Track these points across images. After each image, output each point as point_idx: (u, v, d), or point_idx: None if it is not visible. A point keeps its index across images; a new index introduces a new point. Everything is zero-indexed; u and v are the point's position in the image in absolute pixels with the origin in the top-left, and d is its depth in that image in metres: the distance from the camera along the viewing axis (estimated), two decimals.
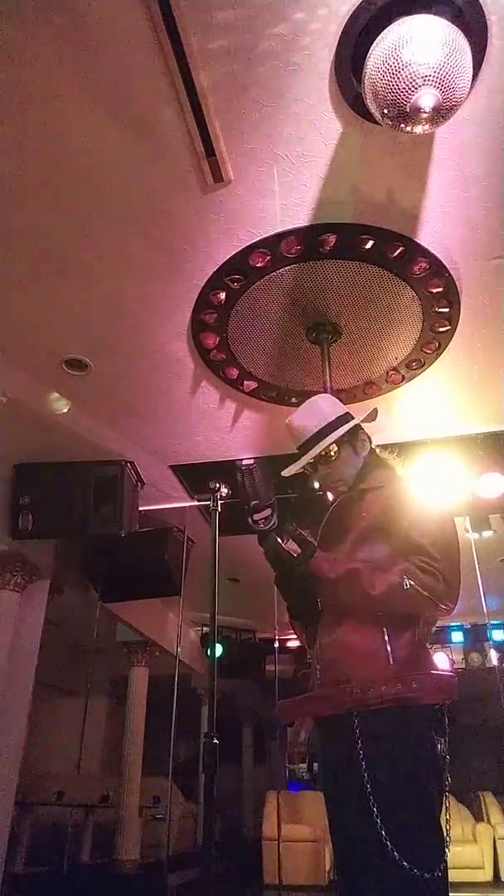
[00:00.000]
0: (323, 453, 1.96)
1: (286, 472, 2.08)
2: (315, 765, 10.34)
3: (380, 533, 1.78)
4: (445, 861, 1.44)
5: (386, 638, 1.62)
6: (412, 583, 1.59)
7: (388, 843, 1.40)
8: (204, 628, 7.51)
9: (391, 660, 1.59)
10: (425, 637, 1.71)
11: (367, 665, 1.60)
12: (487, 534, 4.90)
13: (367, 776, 1.47)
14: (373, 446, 2.06)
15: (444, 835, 1.51)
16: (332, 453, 1.97)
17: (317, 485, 2.06)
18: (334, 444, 1.97)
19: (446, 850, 1.47)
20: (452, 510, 1.90)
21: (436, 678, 1.63)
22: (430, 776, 1.52)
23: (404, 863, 1.38)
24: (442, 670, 1.69)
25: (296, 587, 1.86)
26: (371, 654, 1.61)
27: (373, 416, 2.10)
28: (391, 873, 1.39)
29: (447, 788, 1.55)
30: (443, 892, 1.43)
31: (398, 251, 2.63)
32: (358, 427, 2.04)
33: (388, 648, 1.61)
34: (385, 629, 1.64)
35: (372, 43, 1.84)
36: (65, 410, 3.52)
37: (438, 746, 1.55)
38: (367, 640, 1.64)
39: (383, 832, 1.41)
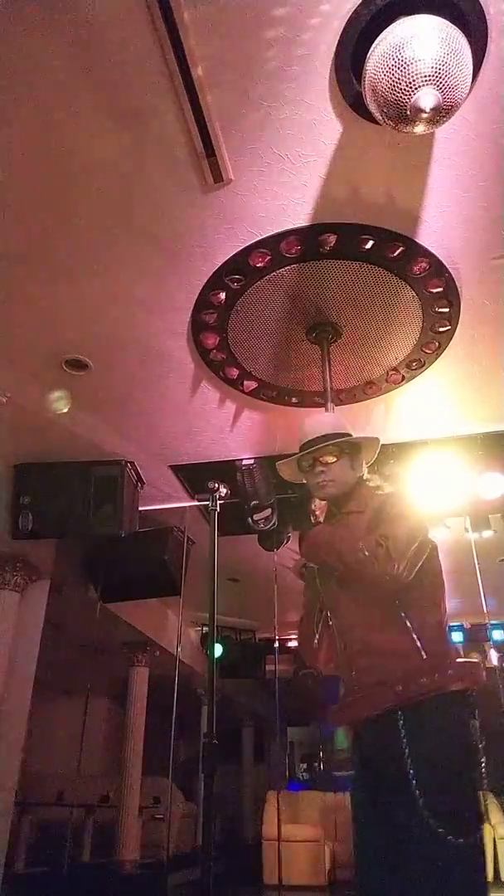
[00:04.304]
0: (321, 456, 2.06)
1: (282, 463, 2.20)
2: (315, 765, 10.35)
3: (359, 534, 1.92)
4: (482, 829, 1.57)
5: (414, 635, 1.75)
6: (366, 552, 1.77)
7: (438, 828, 1.50)
8: (204, 628, 7.51)
9: (424, 653, 1.72)
10: (445, 629, 1.87)
11: (403, 662, 1.71)
12: (487, 534, 4.90)
13: (412, 766, 1.56)
14: (365, 476, 2.13)
15: (482, 807, 1.63)
16: (331, 457, 2.06)
17: (308, 482, 2.12)
18: (335, 449, 2.06)
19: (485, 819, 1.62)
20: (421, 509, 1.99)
21: (468, 666, 1.78)
22: (470, 754, 1.65)
23: (448, 836, 1.49)
24: (466, 658, 1.84)
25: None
26: (404, 652, 1.73)
27: (376, 444, 2.22)
28: (435, 848, 1.50)
29: (482, 764, 1.70)
30: (480, 856, 1.56)
31: (398, 251, 2.63)
32: (360, 450, 2.15)
33: (419, 644, 1.73)
34: (410, 625, 1.76)
35: (372, 43, 1.85)
36: (64, 410, 3.52)
37: (474, 726, 1.70)
38: (397, 638, 1.75)
39: (431, 821, 1.51)
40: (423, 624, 1.77)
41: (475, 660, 1.86)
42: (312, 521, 2.23)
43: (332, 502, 2.11)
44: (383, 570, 1.74)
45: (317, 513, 2.23)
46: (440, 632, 1.81)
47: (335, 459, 2.05)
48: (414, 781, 1.54)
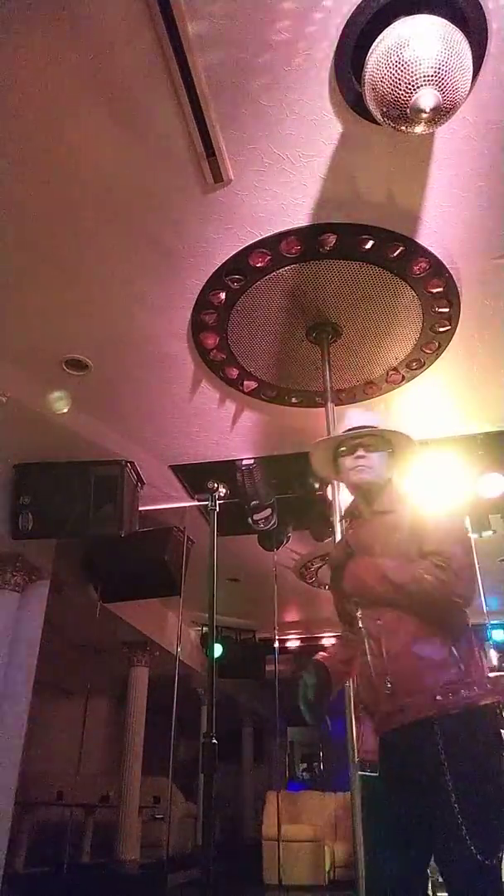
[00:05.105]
0: (365, 443, 2.03)
1: (321, 441, 2.14)
2: (315, 765, 10.35)
3: (403, 549, 1.87)
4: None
5: (451, 646, 1.74)
6: (428, 577, 1.73)
7: (469, 840, 1.51)
8: (204, 628, 7.51)
9: (462, 665, 1.72)
10: (475, 641, 1.85)
11: (442, 673, 1.70)
12: (487, 534, 4.89)
13: (451, 777, 1.57)
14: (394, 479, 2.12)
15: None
16: (374, 446, 2.03)
17: (343, 466, 2.06)
18: (379, 440, 2.05)
19: None
20: (460, 512, 1.95)
21: (502, 680, 1.74)
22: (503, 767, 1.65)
23: (478, 855, 1.50)
24: (497, 672, 1.82)
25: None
26: (444, 662, 1.72)
27: (415, 449, 2.16)
28: (466, 864, 1.51)
29: None
30: (500, 878, 1.56)
31: (398, 251, 2.63)
32: (398, 451, 2.12)
33: (457, 654, 1.73)
34: (448, 636, 1.76)
35: (372, 43, 1.85)
36: (64, 410, 3.52)
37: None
38: (438, 648, 1.74)
39: (465, 831, 1.51)
40: (459, 635, 1.78)
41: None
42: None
43: (360, 495, 2.06)
44: (451, 592, 1.73)
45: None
46: (471, 642, 1.81)
47: (377, 450, 2.03)
48: (454, 796, 1.55)
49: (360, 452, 2.01)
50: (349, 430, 2.09)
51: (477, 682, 1.69)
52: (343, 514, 2.19)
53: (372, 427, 2.08)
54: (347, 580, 1.93)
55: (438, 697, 1.65)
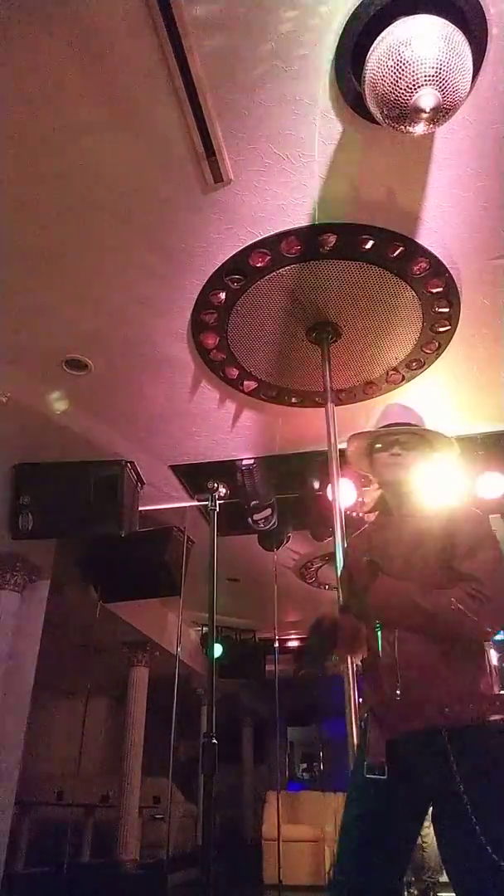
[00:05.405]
0: (405, 440, 2.00)
1: (360, 433, 2.09)
2: (315, 765, 10.35)
3: (431, 560, 1.83)
4: None
5: (465, 661, 1.72)
6: (460, 606, 1.68)
7: (485, 842, 1.51)
8: (204, 628, 7.52)
9: (472, 680, 1.70)
10: (488, 657, 1.83)
11: (453, 686, 1.69)
12: None
13: (465, 790, 1.56)
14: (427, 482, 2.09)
15: None
16: (413, 444, 2.00)
17: (377, 460, 2.03)
18: (419, 439, 2.02)
19: None
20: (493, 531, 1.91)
21: None
22: None
23: (493, 855, 1.50)
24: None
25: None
26: (457, 675, 1.70)
27: (452, 457, 2.13)
28: (482, 864, 1.52)
29: None
30: None
31: (398, 251, 2.63)
32: (431, 455, 2.08)
33: (468, 669, 1.71)
34: (462, 651, 1.73)
35: (372, 43, 1.85)
36: (64, 409, 3.52)
37: None
38: (453, 662, 1.71)
39: (480, 833, 1.51)
40: (474, 651, 1.76)
41: None
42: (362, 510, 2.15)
43: (391, 493, 2.02)
44: (484, 624, 1.69)
45: (366, 500, 2.15)
46: (484, 658, 1.79)
47: (414, 449, 2.00)
48: (465, 797, 1.55)
49: (397, 450, 1.98)
50: (389, 425, 2.05)
51: (487, 698, 1.68)
52: (370, 506, 2.12)
53: (414, 426, 2.04)
54: (372, 603, 1.85)
55: (447, 710, 1.64)
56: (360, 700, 1.96)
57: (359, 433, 2.09)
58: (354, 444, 2.09)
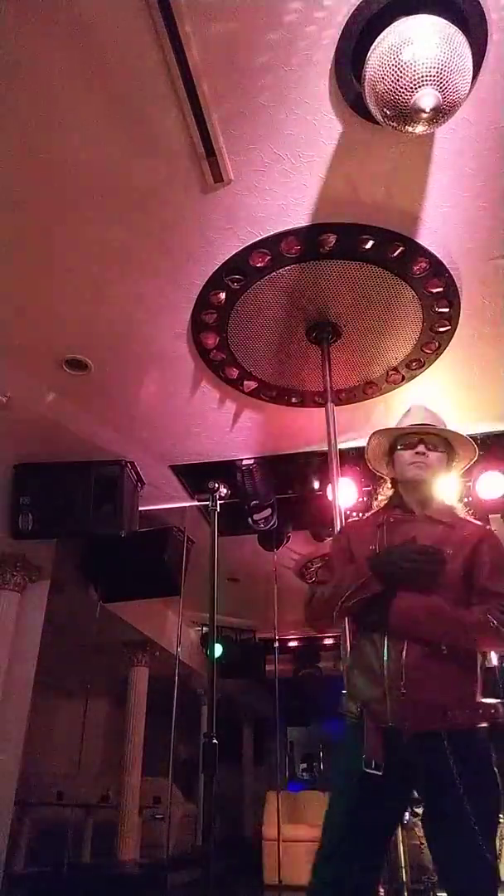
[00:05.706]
0: (430, 440, 2.02)
1: (384, 429, 2.11)
2: (315, 765, 10.35)
3: (459, 572, 1.83)
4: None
5: (471, 666, 1.75)
6: (495, 623, 1.70)
7: (481, 841, 1.58)
8: (204, 628, 7.51)
9: (479, 685, 1.74)
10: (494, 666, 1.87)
11: (458, 690, 1.72)
12: None
13: (464, 791, 1.60)
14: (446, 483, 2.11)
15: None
16: (438, 445, 2.02)
17: (400, 459, 2.02)
18: (442, 440, 2.04)
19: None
20: None
21: None
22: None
23: (487, 854, 1.59)
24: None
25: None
26: (463, 680, 1.73)
27: (468, 462, 2.16)
28: (479, 863, 1.60)
29: None
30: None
31: (398, 251, 2.63)
32: (454, 462, 2.12)
33: (476, 674, 1.75)
34: (467, 658, 1.76)
35: (372, 43, 1.85)
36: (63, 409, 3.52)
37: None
38: (459, 666, 1.74)
39: (478, 832, 1.57)
40: (474, 658, 1.79)
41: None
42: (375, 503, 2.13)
43: (411, 492, 2.00)
44: None
45: (378, 497, 2.13)
46: (477, 666, 1.82)
47: (437, 449, 2.02)
48: (468, 807, 1.59)
49: (421, 449, 1.99)
50: (413, 424, 2.06)
51: (479, 706, 1.72)
52: (384, 503, 2.09)
53: (441, 428, 2.06)
54: (394, 618, 1.79)
55: (449, 713, 1.67)
56: (346, 694, 1.94)
57: (382, 430, 2.11)
58: (376, 440, 2.10)
